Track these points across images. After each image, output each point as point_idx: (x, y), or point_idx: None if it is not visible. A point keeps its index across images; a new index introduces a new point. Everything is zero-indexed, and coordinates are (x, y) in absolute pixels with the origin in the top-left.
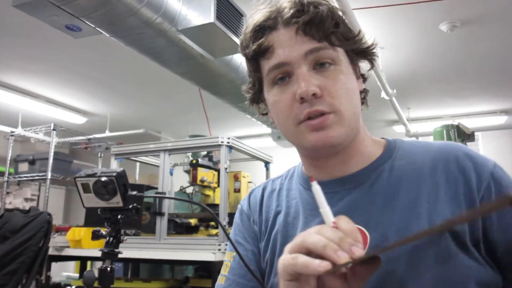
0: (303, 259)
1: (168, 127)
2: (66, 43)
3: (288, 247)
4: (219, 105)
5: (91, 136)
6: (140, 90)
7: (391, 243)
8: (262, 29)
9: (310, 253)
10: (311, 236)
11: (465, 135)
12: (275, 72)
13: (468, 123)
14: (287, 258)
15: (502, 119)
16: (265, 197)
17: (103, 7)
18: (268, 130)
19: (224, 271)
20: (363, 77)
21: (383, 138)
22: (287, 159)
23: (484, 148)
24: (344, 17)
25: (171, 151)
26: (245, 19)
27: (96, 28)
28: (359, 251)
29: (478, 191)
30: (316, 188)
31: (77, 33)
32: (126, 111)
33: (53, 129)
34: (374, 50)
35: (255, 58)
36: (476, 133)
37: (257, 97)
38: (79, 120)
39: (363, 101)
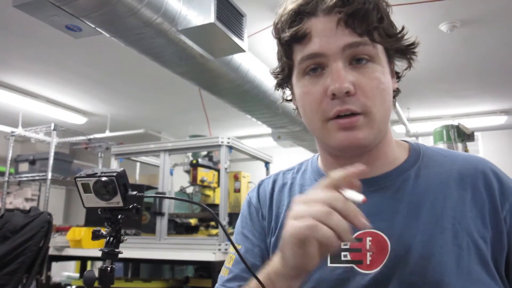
0: (324, 229)
1: (168, 127)
2: (67, 43)
3: (299, 214)
4: (219, 105)
5: (91, 136)
6: (140, 90)
7: (414, 254)
8: (300, 14)
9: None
10: (335, 217)
11: (465, 135)
12: (309, 61)
13: (468, 123)
14: (305, 225)
15: (502, 119)
16: (276, 191)
17: (103, 7)
18: (268, 130)
19: (228, 263)
20: (397, 76)
21: (404, 140)
22: (287, 159)
23: (484, 148)
24: (389, 12)
25: (171, 151)
26: (245, 19)
27: (96, 28)
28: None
29: (502, 210)
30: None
31: (77, 33)
32: (126, 111)
33: (54, 129)
34: (415, 50)
35: (289, 44)
36: (476, 133)
37: (285, 83)
38: (79, 120)
39: (394, 101)
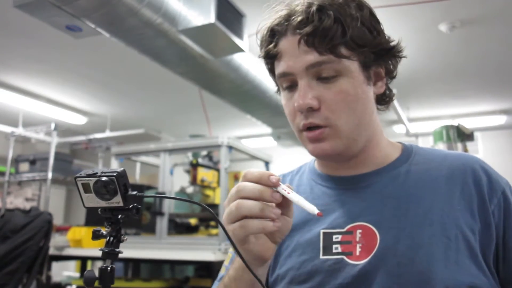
0: (253, 223)
1: (168, 127)
2: (67, 43)
3: (225, 219)
4: (219, 105)
5: (91, 136)
6: (140, 90)
7: (402, 246)
8: (273, 33)
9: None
10: (244, 204)
11: (465, 135)
12: (282, 79)
13: (468, 123)
14: (235, 227)
15: (501, 119)
16: None
17: (104, 8)
18: (268, 130)
19: (226, 261)
20: (390, 76)
21: (399, 142)
22: (287, 159)
23: (484, 148)
24: (361, 19)
25: (171, 151)
26: (245, 19)
27: (97, 29)
28: (279, 196)
29: (490, 204)
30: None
31: (78, 33)
32: (126, 111)
33: (54, 129)
34: (399, 51)
35: (267, 61)
36: (475, 133)
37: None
38: (80, 120)
39: (385, 102)
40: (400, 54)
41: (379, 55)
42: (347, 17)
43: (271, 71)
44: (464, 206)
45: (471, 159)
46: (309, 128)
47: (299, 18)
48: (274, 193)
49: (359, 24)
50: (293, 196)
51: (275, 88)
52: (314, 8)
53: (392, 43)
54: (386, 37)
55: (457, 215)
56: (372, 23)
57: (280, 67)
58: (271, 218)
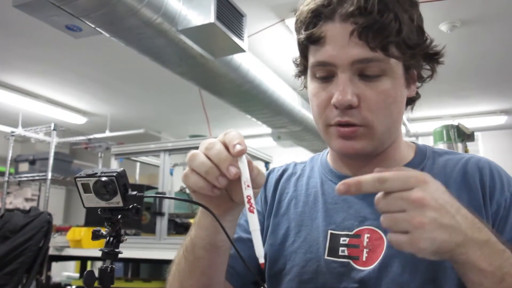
0: (193, 179)
1: (168, 127)
2: (66, 43)
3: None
4: (219, 105)
5: (91, 136)
6: (140, 90)
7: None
8: (318, 16)
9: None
10: (197, 157)
11: (465, 135)
12: (319, 68)
13: (468, 123)
14: (183, 175)
15: (502, 119)
16: (283, 179)
17: (103, 7)
18: (268, 130)
19: None
20: (420, 80)
21: (412, 142)
22: (287, 159)
23: (484, 148)
24: (414, 17)
25: (171, 151)
26: (245, 19)
27: (96, 28)
28: (235, 171)
29: (491, 206)
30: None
31: (77, 33)
32: (126, 111)
33: (53, 129)
34: (440, 58)
35: (304, 44)
36: (476, 133)
37: (302, 74)
38: (79, 120)
39: (412, 105)
40: (440, 62)
41: (425, 59)
42: (404, 14)
43: (304, 55)
44: (471, 205)
45: (482, 160)
46: (341, 124)
47: (355, 6)
48: (232, 167)
49: (414, 23)
50: (250, 191)
51: (296, 72)
52: None
53: (438, 48)
54: (430, 39)
55: None
56: (420, 23)
57: (319, 55)
58: (213, 184)
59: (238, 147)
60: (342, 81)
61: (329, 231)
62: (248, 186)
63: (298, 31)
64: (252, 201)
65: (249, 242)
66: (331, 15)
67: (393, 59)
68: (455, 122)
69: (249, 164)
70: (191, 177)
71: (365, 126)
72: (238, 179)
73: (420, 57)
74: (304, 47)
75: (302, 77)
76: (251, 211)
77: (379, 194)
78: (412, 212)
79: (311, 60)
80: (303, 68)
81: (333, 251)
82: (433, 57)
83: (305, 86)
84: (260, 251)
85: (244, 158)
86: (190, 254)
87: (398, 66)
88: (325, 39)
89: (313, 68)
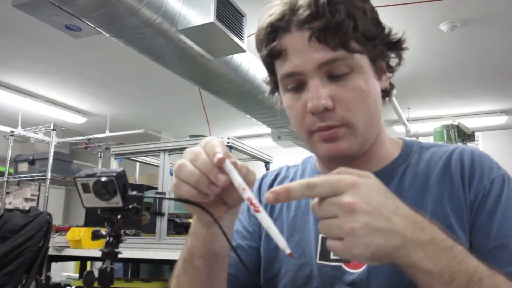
0: (184, 188)
1: (168, 127)
2: (66, 43)
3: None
4: (219, 105)
5: (91, 136)
6: (140, 90)
7: None
8: (275, 30)
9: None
10: (185, 168)
11: (465, 135)
12: (288, 80)
13: (468, 123)
14: (173, 185)
15: (502, 119)
16: (276, 183)
17: (103, 7)
18: (268, 130)
19: None
20: (390, 70)
21: (400, 138)
22: (287, 159)
23: (484, 148)
24: (367, 11)
25: (171, 151)
26: (245, 19)
27: (96, 28)
28: (224, 178)
29: (469, 193)
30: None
31: (77, 33)
32: (126, 111)
33: (53, 129)
34: (403, 46)
35: (268, 60)
36: (476, 133)
37: (275, 91)
38: (79, 120)
39: (387, 96)
40: (405, 46)
41: (387, 48)
42: (356, 10)
43: (271, 71)
44: (454, 204)
45: (465, 151)
46: (322, 128)
47: (307, 12)
48: (220, 175)
49: (368, 16)
50: (248, 193)
51: (269, 90)
52: (323, 0)
53: (398, 35)
54: (389, 28)
55: (447, 214)
56: (375, 15)
57: (286, 67)
58: (205, 192)
59: (218, 156)
60: (313, 86)
61: (320, 235)
62: (244, 189)
63: (259, 49)
64: (254, 201)
65: (248, 248)
66: (287, 26)
67: (357, 54)
68: (455, 122)
69: (235, 165)
70: (182, 187)
71: (346, 125)
72: (229, 183)
73: (382, 47)
74: (269, 64)
75: (276, 93)
76: (257, 211)
77: (315, 200)
78: (343, 218)
79: (279, 74)
80: (274, 85)
81: (324, 255)
82: (395, 45)
83: (281, 102)
84: (283, 244)
85: (228, 163)
86: (189, 266)
87: (364, 60)
88: (287, 51)
89: (283, 81)
